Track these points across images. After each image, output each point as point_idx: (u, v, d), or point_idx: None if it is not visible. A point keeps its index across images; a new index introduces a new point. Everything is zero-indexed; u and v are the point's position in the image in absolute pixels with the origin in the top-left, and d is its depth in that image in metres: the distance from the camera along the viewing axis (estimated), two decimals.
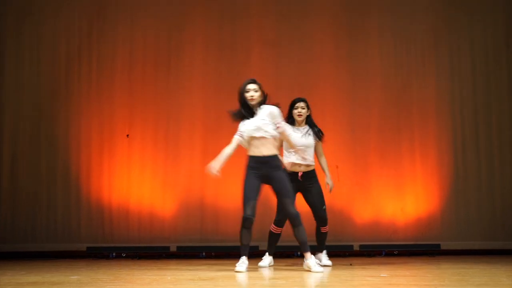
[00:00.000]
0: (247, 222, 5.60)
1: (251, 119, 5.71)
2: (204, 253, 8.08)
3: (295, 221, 5.62)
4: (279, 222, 6.30)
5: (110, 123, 8.48)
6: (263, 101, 5.79)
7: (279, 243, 8.20)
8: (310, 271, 5.55)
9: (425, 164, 8.58)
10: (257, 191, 5.68)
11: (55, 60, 8.57)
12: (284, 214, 5.93)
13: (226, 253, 8.03)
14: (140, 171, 8.42)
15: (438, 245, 8.30)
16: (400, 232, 8.41)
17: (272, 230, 6.34)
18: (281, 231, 6.30)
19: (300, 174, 6.27)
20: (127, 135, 8.46)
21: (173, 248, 8.18)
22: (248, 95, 5.74)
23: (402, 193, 8.48)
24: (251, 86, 5.76)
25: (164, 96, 8.56)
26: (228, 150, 5.71)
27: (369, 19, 8.84)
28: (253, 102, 5.74)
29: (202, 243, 8.27)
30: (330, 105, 8.57)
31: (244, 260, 5.65)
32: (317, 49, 8.73)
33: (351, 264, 6.49)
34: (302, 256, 7.88)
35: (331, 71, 8.71)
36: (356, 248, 8.26)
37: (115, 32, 8.65)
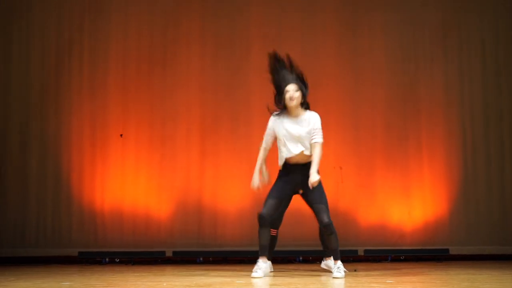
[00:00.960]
0: (261, 221, 5.74)
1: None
2: (201, 258, 8.07)
3: (329, 230, 5.73)
4: (273, 224, 6.22)
5: (103, 122, 8.47)
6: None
7: (279, 248, 8.23)
8: (330, 271, 5.64)
9: (433, 165, 8.58)
10: (283, 193, 5.81)
11: (45, 56, 8.56)
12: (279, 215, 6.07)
13: (224, 258, 8.04)
14: (134, 173, 8.42)
15: (447, 250, 8.30)
16: (407, 237, 8.41)
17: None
18: (276, 233, 6.25)
19: None
20: (121, 135, 8.46)
21: (169, 253, 8.18)
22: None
23: (408, 196, 8.47)
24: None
25: (160, 94, 8.55)
26: None
27: (374, 13, 8.83)
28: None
29: (199, 248, 8.27)
30: (333, 104, 8.57)
31: (260, 264, 5.72)
32: (320, 45, 8.73)
33: (355, 270, 6.48)
34: (304, 262, 7.94)
35: (334, 68, 8.71)
36: (360, 253, 8.26)
37: (108, 27, 8.64)
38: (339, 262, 5.74)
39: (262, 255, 5.82)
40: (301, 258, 8.05)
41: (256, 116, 8.41)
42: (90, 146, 8.43)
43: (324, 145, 7.65)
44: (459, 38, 8.83)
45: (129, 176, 8.39)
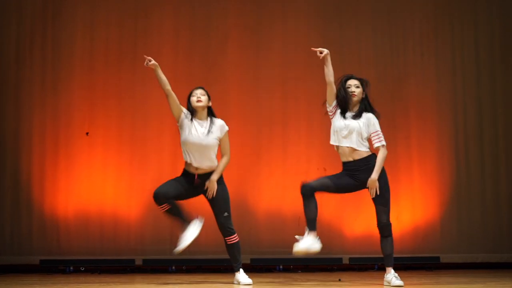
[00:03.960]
0: (302, 189, 5.76)
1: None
2: (173, 267, 8.05)
3: (385, 232, 5.92)
4: None
5: (67, 120, 8.39)
6: None
7: (259, 255, 8.22)
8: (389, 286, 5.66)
9: (423, 167, 8.63)
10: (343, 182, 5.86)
11: (3, 46, 8.44)
12: None
13: (198, 267, 8.02)
14: (102, 174, 8.36)
15: (438, 258, 8.35)
16: (395, 244, 8.31)
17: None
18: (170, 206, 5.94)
19: (196, 176, 5.97)
20: (87, 133, 8.40)
21: (138, 261, 8.12)
22: None
23: (397, 200, 8.46)
24: None
25: (129, 89, 8.50)
26: None
27: (361, 2, 8.87)
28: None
29: (171, 256, 8.19)
30: (316, 99, 8.47)
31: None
32: (303, 36, 8.73)
33: (339, 280, 6.51)
34: (285, 271, 7.92)
35: (318, 61, 8.67)
36: (345, 261, 8.29)
37: (73, 14, 8.55)
38: (392, 270, 5.83)
39: (311, 229, 5.70)
40: (281, 267, 8.04)
41: (233, 113, 8.39)
42: (53, 145, 8.34)
43: (309, 144, 7.64)
44: (452, 30, 8.90)
45: (96, 178, 8.32)
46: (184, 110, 6.02)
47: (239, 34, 8.70)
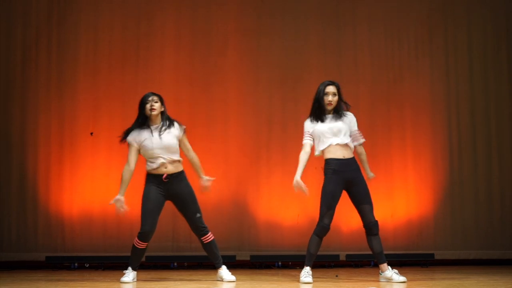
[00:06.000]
0: (323, 232, 5.81)
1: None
2: (175, 264, 8.06)
3: (374, 230, 5.90)
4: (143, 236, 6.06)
5: (72, 120, 8.41)
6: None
7: (258, 252, 8.23)
8: (391, 281, 5.70)
9: (418, 166, 8.63)
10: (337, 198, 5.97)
11: (10, 48, 8.46)
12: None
13: (199, 264, 8.03)
14: (105, 173, 8.35)
15: (432, 255, 8.34)
16: (390, 241, 8.43)
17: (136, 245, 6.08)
18: (146, 246, 6.07)
19: (164, 175, 6.07)
20: (91, 133, 8.41)
21: None
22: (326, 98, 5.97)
23: (392, 198, 8.51)
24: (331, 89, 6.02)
25: (132, 90, 8.46)
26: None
27: (358, 7, 8.88)
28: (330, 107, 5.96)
29: (173, 252, 8.25)
30: None
31: (308, 271, 5.72)
32: (301, 40, 8.75)
33: (336, 276, 6.53)
34: (284, 267, 7.95)
35: (316, 64, 8.73)
36: (342, 258, 8.28)
37: (78, 18, 8.57)
38: (389, 266, 5.88)
39: (310, 265, 5.81)
40: (280, 263, 8.06)
41: (234, 114, 8.42)
42: (58, 145, 8.36)
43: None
44: (445, 34, 8.90)
45: (100, 177, 8.33)
46: (131, 140, 6.22)
47: (239, 37, 8.70)
